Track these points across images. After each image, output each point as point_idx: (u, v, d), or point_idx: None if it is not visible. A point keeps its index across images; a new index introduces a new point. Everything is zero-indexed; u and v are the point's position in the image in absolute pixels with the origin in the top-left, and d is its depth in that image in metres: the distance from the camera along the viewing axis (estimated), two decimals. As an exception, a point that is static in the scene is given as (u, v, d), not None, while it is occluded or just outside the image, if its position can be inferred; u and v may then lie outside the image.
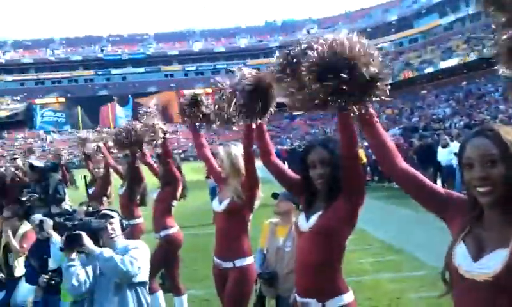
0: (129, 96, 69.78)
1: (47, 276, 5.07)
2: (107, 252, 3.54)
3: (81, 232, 3.49)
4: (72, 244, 3.50)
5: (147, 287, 3.88)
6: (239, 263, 3.55)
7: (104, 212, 3.89)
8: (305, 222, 2.55)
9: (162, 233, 4.70)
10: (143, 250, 3.72)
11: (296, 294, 2.62)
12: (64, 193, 7.07)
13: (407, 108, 46.20)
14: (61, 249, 3.61)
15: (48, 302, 5.34)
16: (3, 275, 6.12)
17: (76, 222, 3.60)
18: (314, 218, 2.50)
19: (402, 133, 25.76)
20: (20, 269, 6.15)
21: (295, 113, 63.63)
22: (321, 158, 2.50)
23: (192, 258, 7.34)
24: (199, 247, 8.19)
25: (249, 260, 3.60)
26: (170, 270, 4.78)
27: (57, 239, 4.59)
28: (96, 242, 3.60)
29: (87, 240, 3.49)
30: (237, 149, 3.58)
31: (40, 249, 5.12)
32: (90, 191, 6.55)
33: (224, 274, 3.61)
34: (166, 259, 4.65)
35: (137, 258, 3.58)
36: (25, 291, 5.91)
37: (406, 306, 5.35)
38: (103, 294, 3.62)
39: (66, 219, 4.46)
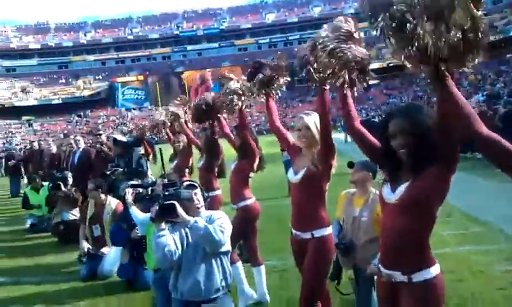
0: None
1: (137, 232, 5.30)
2: (200, 221, 3.67)
3: (175, 202, 3.63)
4: (166, 213, 3.63)
5: (229, 256, 4.02)
6: (318, 233, 3.55)
7: (189, 182, 4.02)
8: (391, 194, 2.48)
9: (240, 204, 4.79)
10: (227, 220, 3.84)
11: (380, 265, 2.59)
12: (147, 167, 7.40)
13: (491, 74, 43.55)
14: (152, 219, 3.77)
15: (135, 271, 5.68)
16: (90, 247, 6.55)
17: (169, 192, 3.73)
18: (401, 189, 2.42)
19: (486, 100, 24.36)
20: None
21: (371, 82, 62.09)
22: (401, 128, 2.43)
23: (269, 229, 7.44)
24: (276, 219, 8.28)
25: (327, 230, 3.59)
26: (248, 240, 4.88)
27: (135, 212, 4.77)
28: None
29: (180, 210, 3.63)
30: (313, 119, 3.56)
31: (129, 215, 5.39)
32: (172, 164, 6.81)
33: (303, 245, 3.62)
34: (243, 230, 4.74)
35: (225, 227, 3.70)
36: (111, 261, 6.30)
37: (490, 279, 5.14)
38: (190, 263, 3.75)
39: (153, 190, 4.69)
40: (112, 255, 6.31)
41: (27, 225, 10.13)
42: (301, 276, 3.68)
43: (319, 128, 3.48)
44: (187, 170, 6.69)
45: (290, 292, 4.94)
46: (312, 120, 3.56)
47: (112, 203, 6.63)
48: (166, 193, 3.69)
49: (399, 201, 2.42)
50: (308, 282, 3.54)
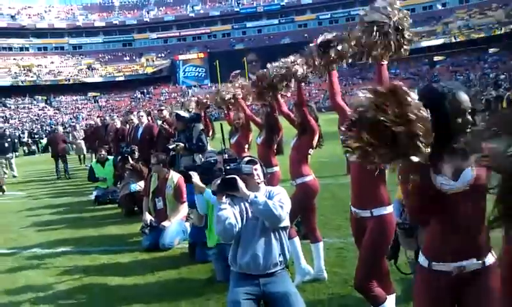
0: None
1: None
2: (260, 196, 3.70)
3: (236, 176, 3.68)
4: (227, 187, 3.69)
5: (287, 232, 4.03)
6: (377, 212, 3.48)
7: (249, 158, 4.05)
8: (453, 181, 2.33)
9: (298, 181, 4.77)
10: (286, 195, 3.84)
11: (450, 257, 2.38)
12: (207, 142, 7.51)
13: None
14: (213, 193, 3.84)
15: (198, 247, 5.80)
16: (153, 219, 6.75)
17: (230, 166, 3.78)
18: (467, 174, 2.30)
19: None
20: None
21: (436, 59, 59.88)
22: (470, 104, 2.34)
23: (327, 207, 7.41)
24: (334, 197, 8.23)
25: (387, 210, 3.51)
26: (306, 217, 4.86)
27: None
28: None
29: (241, 184, 3.67)
30: None
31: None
32: (232, 141, 6.88)
33: (362, 223, 3.57)
34: (302, 207, 4.73)
35: (285, 203, 3.72)
36: (172, 234, 6.47)
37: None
38: (249, 237, 3.80)
39: (212, 164, 4.75)
40: (173, 228, 6.49)
41: (93, 197, 10.59)
42: (359, 254, 3.63)
43: None
44: (246, 146, 6.74)
45: (348, 270, 4.90)
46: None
47: (175, 177, 6.79)
48: (227, 168, 3.73)
49: (469, 187, 2.30)
50: (365, 260, 3.50)
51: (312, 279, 4.79)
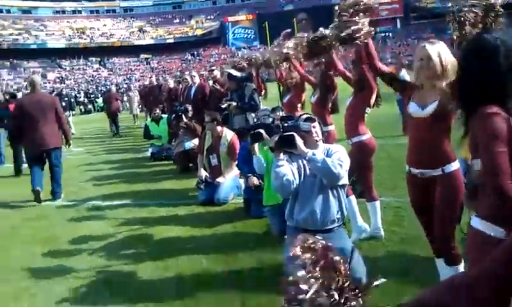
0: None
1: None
2: (319, 154, 3.69)
3: (294, 133, 3.67)
4: (285, 144, 3.69)
5: (346, 190, 4.01)
6: (449, 168, 3.33)
7: (308, 115, 4.02)
8: None
9: (355, 140, 4.70)
10: (345, 153, 3.81)
11: None
12: (259, 101, 7.50)
13: None
14: (271, 149, 3.85)
15: (253, 203, 5.87)
16: (208, 175, 6.86)
17: (288, 123, 3.77)
18: None
19: None
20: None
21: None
22: None
23: (383, 166, 7.29)
24: (390, 157, 8.11)
25: (456, 165, 3.38)
26: (363, 175, 4.80)
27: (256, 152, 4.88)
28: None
29: (299, 141, 3.66)
30: (437, 49, 3.31)
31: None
32: (285, 100, 6.85)
33: (429, 183, 3.41)
34: (358, 165, 4.67)
35: (344, 161, 3.69)
36: (227, 189, 6.57)
37: None
38: (307, 194, 3.81)
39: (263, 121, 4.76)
40: (227, 184, 6.59)
41: (149, 154, 10.87)
42: (418, 215, 3.54)
43: (443, 59, 3.24)
44: (299, 106, 6.69)
45: (405, 229, 4.86)
46: (436, 50, 3.28)
47: (228, 135, 6.86)
48: (285, 125, 3.72)
49: None
50: (444, 219, 3.31)
51: (368, 237, 4.77)
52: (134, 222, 6.17)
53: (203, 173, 6.85)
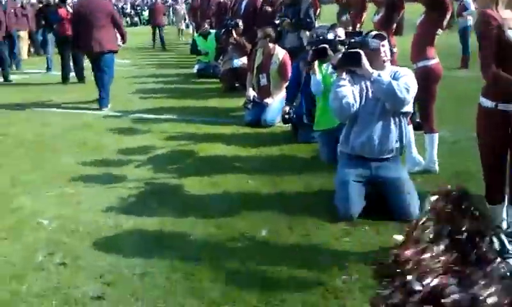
0: None
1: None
2: (385, 75, 3.42)
3: (360, 51, 3.39)
4: (349, 62, 3.42)
5: (407, 119, 3.75)
6: None
7: (377, 32, 3.70)
8: None
9: (420, 64, 4.35)
10: (413, 78, 3.52)
11: None
12: (314, 18, 7.11)
13: None
14: (333, 67, 3.60)
15: (301, 128, 5.67)
16: (256, 95, 6.65)
17: (355, 40, 3.48)
18: None
19: None
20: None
21: None
22: None
23: (441, 98, 6.86)
24: (449, 88, 7.66)
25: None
26: (425, 105, 4.48)
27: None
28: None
29: (365, 60, 3.39)
30: None
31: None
32: (343, 18, 6.45)
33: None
34: (421, 93, 4.35)
35: (411, 86, 3.41)
36: (274, 111, 6.35)
37: None
38: (367, 119, 3.58)
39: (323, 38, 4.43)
40: (275, 105, 6.37)
41: (195, 70, 10.69)
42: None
43: None
44: (357, 26, 6.29)
45: (461, 165, 4.60)
46: None
47: (280, 53, 6.55)
48: (352, 40, 3.43)
49: None
50: None
51: (422, 170, 4.54)
52: (180, 137, 6.10)
53: (252, 93, 6.63)
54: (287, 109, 5.69)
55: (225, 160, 5.19)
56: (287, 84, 6.37)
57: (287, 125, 5.82)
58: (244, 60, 8.50)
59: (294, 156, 5.25)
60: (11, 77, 11.22)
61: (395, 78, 3.50)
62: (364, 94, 3.60)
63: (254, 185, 4.43)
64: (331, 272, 2.94)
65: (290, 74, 6.36)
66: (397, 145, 3.68)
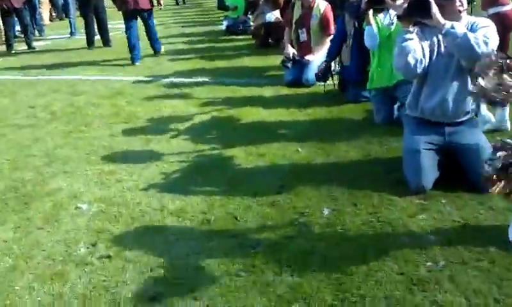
0: None
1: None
2: (460, 27, 2.94)
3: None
4: (417, 12, 2.95)
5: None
6: None
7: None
8: None
9: (492, 11, 3.86)
10: (494, 30, 3.03)
11: None
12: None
13: None
14: (399, 18, 3.14)
15: (351, 85, 5.21)
16: (295, 52, 6.16)
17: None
18: None
19: None
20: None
21: None
22: None
23: None
24: None
25: None
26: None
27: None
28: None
29: (436, 9, 2.91)
30: None
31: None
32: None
33: None
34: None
35: (490, 38, 2.93)
36: (316, 70, 5.84)
37: None
38: (439, 78, 3.12)
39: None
40: (318, 62, 5.88)
41: (224, 27, 10.18)
42: None
43: None
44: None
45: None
46: None
47: (321, 5, 6.00)
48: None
49: None
50: None
51: (492, 129, 4.08)
52: (216, 102, 5.71)
53: (291, 50, 6.14)
54: (324, 65, 5.28)
55: (269, 126, 4.80)
56: (329, 38, 5.89)
57: (321, 82, 5.44)
58: (277, 14, 7.99)
59: (344, 118, 4.81)
60: (34, 44, 10.92)
61: (472, 29, 3.02)
62: (435, 50, 3.14)
63: (305, 154, 4.03)
64: (412, 258, 2.56)
65: (333, 28, 5.87)
66: (473, 106, 3.23)
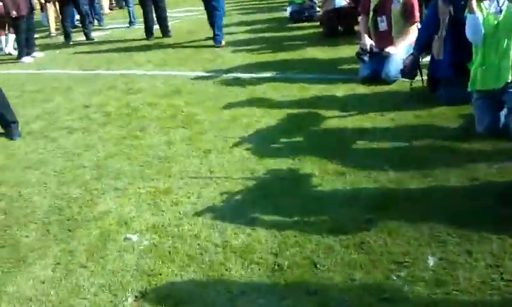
0: None
1: None
2: None
3: None
4: None
5: None
6: None
7: None
8: None
9: None
10: None
11: None
12: None
13: None
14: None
15: (443, 84, 4.45)
16: (373, 43, 5.41)
17: None
18: None
19: None
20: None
21: None
22: None
23: None
24: None
25: None
26: None
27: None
28: None
29: None
30: None
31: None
32: None
33: None
34: None
35: None
36: (399, 63, 5.03)
37: None
38: None
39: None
40: (400, 56, 5.09)
41: (287, 14, 9.48)
42: None
43: None
44: None
45: None
46: None
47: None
48: None
49: None
50: None
51: None
52: (282, 102, 5.10)
53: (368, 41, 5.38)
54: (411, 58, 4.55)
55: (344, 134, 4.11)
56: (413, 27, 5.10)
57: (407, 79, 4.74)
58: (349, -2, 7.23)
59: (437, 125, 4.04)
60: (93, 34, 10.68)
61: None
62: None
63: (394, 175, 3.31)
64: None
65: (417, 15, 5.09)
66: None
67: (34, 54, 9.21)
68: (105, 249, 2.88)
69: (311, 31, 8.34)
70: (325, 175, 3.43)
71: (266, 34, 8.64)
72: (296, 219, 2.94)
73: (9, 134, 5.03)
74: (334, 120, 4.43)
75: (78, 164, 4.20)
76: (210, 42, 8.25)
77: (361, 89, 5.15)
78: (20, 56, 9.00)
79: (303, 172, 3.53)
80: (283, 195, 3.24)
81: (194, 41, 8.82)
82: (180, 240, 2.88)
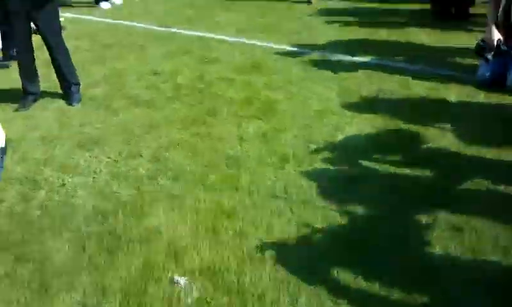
0: None
1: None
2: None
3: None
4: None
5: None
6: None
7: None
8: None
9: None
10: None
11: None
12: None
13: None
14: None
15: None
16: (501, 39, 4.34)
17: None
18: None
19: None
20: None
21: None
22: None
23: None
24: None
25: None
26: None
27: None
28: None
29: None
30: None
31: None
32: None
33: None
34: None
35: None
36: None
37: None
38: None
39: None
40: None
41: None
42: None
43: None
44: None
45: None
46: None
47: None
48: None
49: None
50: None
51: None
52: (378, 101, 4.31)
53: (496, 35, 4.31)
54: None
55: (459, 162, 3.25)
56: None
57: None
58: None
59: None
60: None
61: None
62: None
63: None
64: None
65: None
66: None
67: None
68: (145, 294, 2.28)
69: (416, 5, 7.24)
70: (439, 225, 2.63)
71: (363, 6, 7.63)
72: (404, 292, 2.19)
73: (69, 98, 4.55)
74: (446, 138, 3.54)
75: (135, 150, 3.63)
76: (299, 10, 7.38)
77: (481, 97, 4.18)
78: (97, 0, 8.50)
79: (409, 215, 2.74)
80: (381, 251, 2.48)
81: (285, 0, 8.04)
82: (239, 297, 2.23)
